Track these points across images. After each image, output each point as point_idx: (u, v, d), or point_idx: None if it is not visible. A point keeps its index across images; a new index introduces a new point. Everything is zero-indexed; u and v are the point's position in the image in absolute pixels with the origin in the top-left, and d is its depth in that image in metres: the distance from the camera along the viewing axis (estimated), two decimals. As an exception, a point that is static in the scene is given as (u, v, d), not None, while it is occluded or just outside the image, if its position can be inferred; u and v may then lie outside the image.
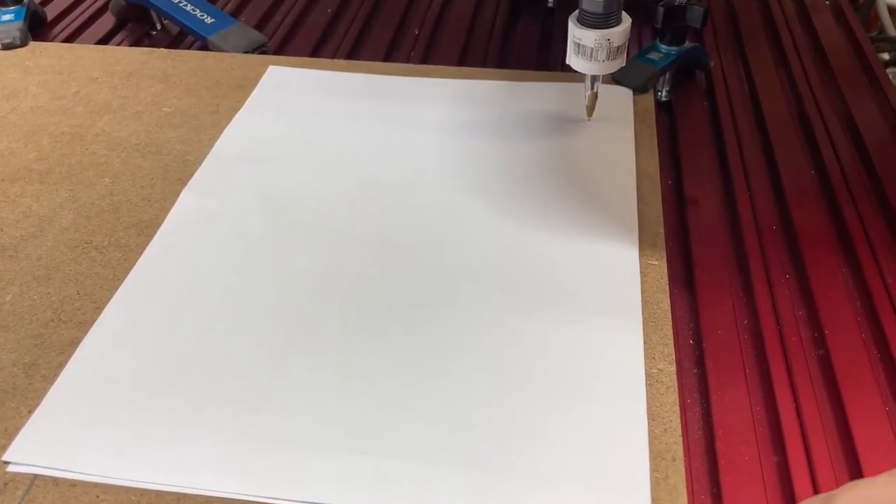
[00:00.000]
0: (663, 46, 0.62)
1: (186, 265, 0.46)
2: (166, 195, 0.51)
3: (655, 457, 0.36)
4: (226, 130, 0.56)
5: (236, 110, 0.58)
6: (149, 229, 0.48)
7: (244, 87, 0.61)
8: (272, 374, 0.40)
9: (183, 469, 0.36)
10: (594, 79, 0.54)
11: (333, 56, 0.70)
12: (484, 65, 0.68)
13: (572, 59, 0.53)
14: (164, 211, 0.50)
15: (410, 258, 0.46)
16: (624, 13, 0.51)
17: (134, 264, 0.46)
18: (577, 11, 0.51)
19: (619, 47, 0.51)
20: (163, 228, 0.48)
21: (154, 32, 0.75)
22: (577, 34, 0.51)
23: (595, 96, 0.55)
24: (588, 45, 0.51)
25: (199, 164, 0.53)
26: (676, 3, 0.59)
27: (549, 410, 0.38)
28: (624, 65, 0.53)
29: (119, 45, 0.73)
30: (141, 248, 0.47)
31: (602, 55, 0.51)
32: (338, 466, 0.36)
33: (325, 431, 0.37)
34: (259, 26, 0.74)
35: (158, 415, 0.38)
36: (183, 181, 0.52)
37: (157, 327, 0.42)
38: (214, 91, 0.61)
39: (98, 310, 0.43)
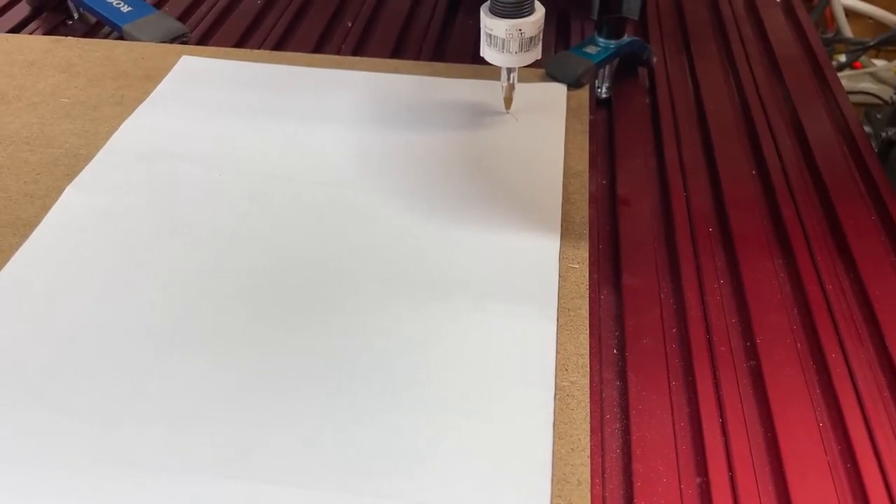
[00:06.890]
0: (601, 40, 0.59)
1: (59, 269, 0.41)
2: (51, 191, 0.47)
3: (559, 480, 0.32)
4: (125, 123, 0.52)
5: (142, 102, 0.54)
6: (26, 228, 0.44)
7: (153, 79, 0.56)
8: (136, 391, 0.35)
9: (24, 495, 0.31)
10: (510, 70, 0.51)
11: (259, 48, 0.66)
12: (417, 60, 0.65)
13: (485, 51, 0.49)
14: (46, 209, 0.45)
15: (308, 261, 0.42)
16: (538, 3, 0.48)
17: (3, 266, 0.41)
18: (489, 1, 0.48)
19: (531, 38, 0.48)
20: (40, 228, 0.44)
21: (70, 22, 0.70)
22: (489, 24, 0.48)
23: (512, 87, 0.52)
24: (499, 36, 0.48)
25: (93, 158, 0.49)
26: (612, -7, 0.56)
27: (441, 429, 0.34)
28: (539, 57, 0.50)
29: (32, 34, 0.68)
30: (13, 248, 0.42)
31: (514, 46, 0.48)
32: (205, 493, 0.32)
33: (192, 454, 0.33)
34: (183, 17, 0.70)
35: (5, 433, 0.34)
36: (72, 176, 0.47)
37: (18, 338, 0.38)
38: (120, 81, 0.56)
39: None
